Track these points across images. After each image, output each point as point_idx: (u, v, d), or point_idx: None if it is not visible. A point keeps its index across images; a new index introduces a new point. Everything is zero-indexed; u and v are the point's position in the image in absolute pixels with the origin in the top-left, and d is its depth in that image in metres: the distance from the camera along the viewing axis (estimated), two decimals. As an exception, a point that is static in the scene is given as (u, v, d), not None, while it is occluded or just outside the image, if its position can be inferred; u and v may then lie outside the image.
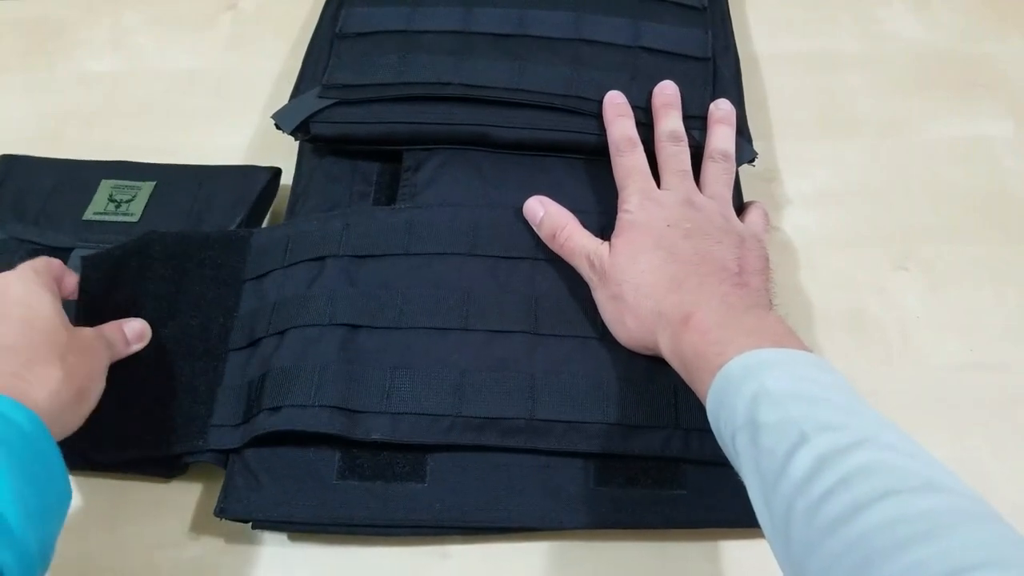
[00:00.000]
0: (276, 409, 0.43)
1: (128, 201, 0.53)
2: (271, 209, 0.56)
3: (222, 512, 0.43)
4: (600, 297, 0.46)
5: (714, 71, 0.56)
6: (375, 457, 0.44)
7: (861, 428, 0.33)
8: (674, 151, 0.50)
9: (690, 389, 0.42)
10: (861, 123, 0.61)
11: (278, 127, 0.54)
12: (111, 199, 0.54)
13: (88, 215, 0.53)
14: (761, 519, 0.34)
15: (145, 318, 0.47)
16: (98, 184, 0.54)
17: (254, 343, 0.47)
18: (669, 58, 0.55)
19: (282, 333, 0.46)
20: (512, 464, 0.44)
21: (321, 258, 0.49)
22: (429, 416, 0.44)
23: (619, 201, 0.49)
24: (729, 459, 0.38)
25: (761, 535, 0.34)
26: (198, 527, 0.45)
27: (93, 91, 0.64)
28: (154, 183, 0.54)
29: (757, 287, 0.44)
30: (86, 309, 0.47)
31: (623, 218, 0.47)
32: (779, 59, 0.64)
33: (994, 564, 0.27)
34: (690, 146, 0.51)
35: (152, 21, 0.68)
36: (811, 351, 0.38)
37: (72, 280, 0.47)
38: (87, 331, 0.43)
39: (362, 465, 0.44)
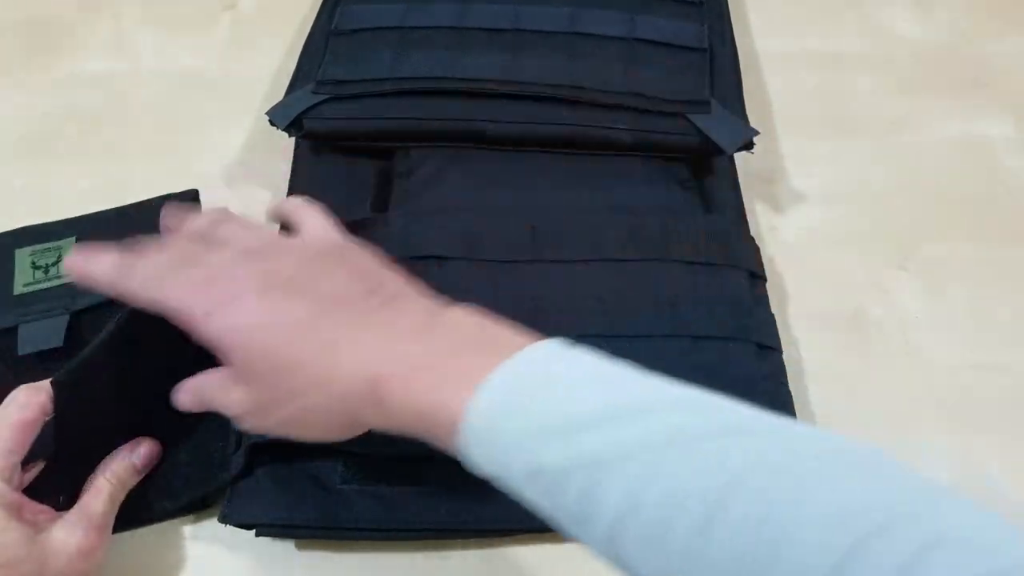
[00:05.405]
0: None
1: (54, 264, 0.50)
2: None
3: (226, 518, 0.42)
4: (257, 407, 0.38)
5: (711, 64, 0.56)
6: (378, 462, 0.43)
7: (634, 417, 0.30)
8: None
9: (701, 380, 0.40)
10: (862, 123, 0.60)
11: (272, 123, 0.54)
12: (35, 266, 0.50)
13: (18, 289, 0.49)
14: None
15: (142, 399, 0.42)
16: (12, 255, 0.50)
17: None
18: (665, 49, 0.55)
19: None
20: None
21: None
22: None
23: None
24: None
25: None
26: (201, 535, 0.44)
27: (92, 91, 0.64)
28: (73, 238, 0.51)
29: (394, 291, 0.38)
30: (66, 435, 0.40)
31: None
32: (780, 58, 0.64)
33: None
34: (686, 134, 0.51)
35: (151, 21, 0.68)
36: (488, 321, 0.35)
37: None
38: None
39: (365, 470, 0.43)
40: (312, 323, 0.35)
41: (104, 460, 0.42)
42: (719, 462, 0.28)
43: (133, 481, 0.42)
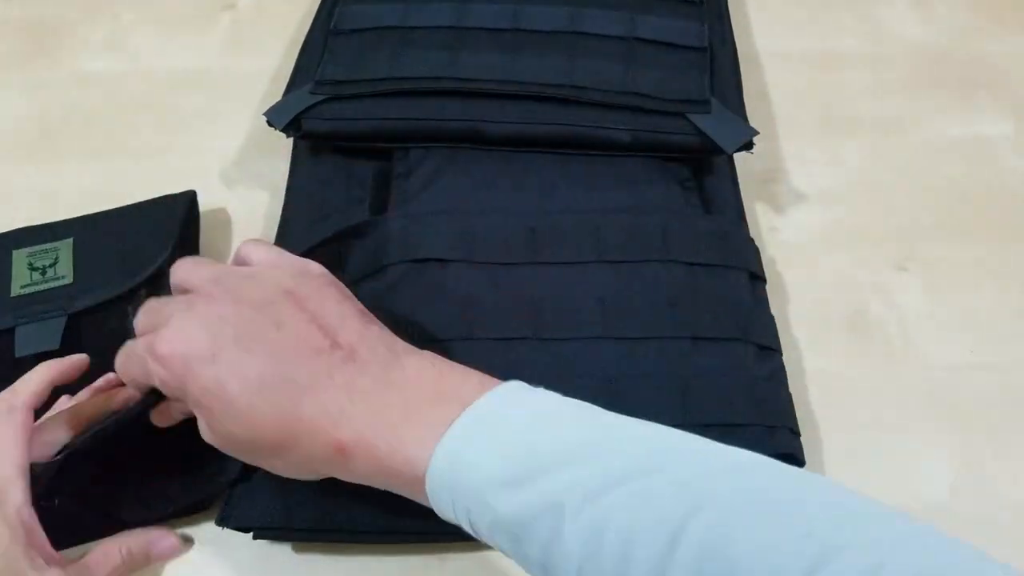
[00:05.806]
0: None
1: (52, 265, 0.49)
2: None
3: (223, 521, 0.42)
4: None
5: (711, 64, 0.56)
6: None
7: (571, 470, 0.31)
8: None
9: (701, 380, 0.40)
10: (862, 122, 0.60)
11: (270, 124, 0.54)
12: (32, 267, 0.49)
13: (16, 291, 0.49)
14: None
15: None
16: (9, 256, 0.50)
17: None
18: (665, 48, 0.56)
19: None
20: None
21: None
22: None
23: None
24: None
25: None
26: (199, 537, 0.44)
27: (91, 91, 0.64)
28: (71, 240, 0.50)
29: (353, 338, 0.35)
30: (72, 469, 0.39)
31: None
32: (780, 58, 0.64)
33: None
34: (686, 134, 0.51)
35: (150, 20, 0.68)
36: (458, 368, 0.35)
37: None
38: None
39: None
40: (269, 386, 0.34)
41: (128, 533, 0.41)
42: (670, 499, 0.29)
43: (143, 567, 0.41)
